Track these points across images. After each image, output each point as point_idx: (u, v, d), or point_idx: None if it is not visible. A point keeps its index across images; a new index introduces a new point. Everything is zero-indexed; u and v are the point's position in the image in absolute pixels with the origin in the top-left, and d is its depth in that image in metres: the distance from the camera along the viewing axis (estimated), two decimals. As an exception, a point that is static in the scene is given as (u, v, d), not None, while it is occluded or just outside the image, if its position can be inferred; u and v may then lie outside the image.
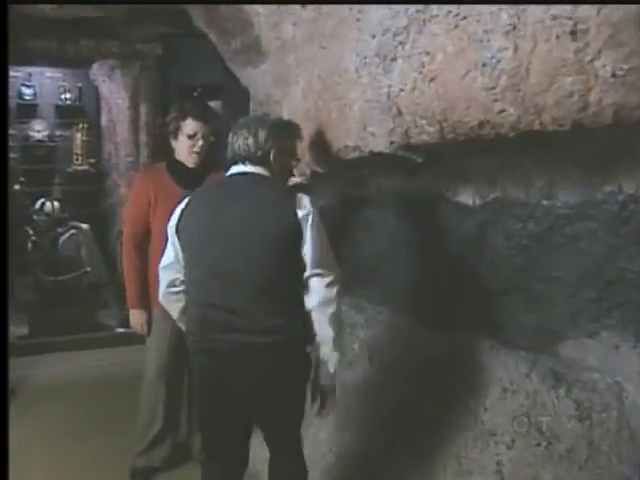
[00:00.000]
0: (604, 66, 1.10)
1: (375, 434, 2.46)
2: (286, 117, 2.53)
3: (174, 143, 2.77)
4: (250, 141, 1.96)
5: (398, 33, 1.54)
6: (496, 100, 1.28)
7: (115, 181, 5.62)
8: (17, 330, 4.69)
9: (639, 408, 1.74)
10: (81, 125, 5.78)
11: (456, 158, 2.04)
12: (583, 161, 1.76)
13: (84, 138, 5.77)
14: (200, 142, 2.72)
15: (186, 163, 2.76)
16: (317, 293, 1.91)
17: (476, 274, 2.26)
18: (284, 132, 2.03)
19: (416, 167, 2.23)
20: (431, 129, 1.54)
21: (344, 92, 1.94)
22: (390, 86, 1.62)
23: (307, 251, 1.89)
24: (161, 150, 5.44)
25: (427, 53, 1.44)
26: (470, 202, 2.22)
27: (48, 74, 5.74)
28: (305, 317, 1.93)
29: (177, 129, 2.72)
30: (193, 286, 2.00)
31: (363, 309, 3.01)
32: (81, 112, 5.90)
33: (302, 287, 1.92)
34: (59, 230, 4.95)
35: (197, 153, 2.73)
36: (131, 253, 2.79)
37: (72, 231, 4.98)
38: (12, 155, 5.09)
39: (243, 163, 1.98)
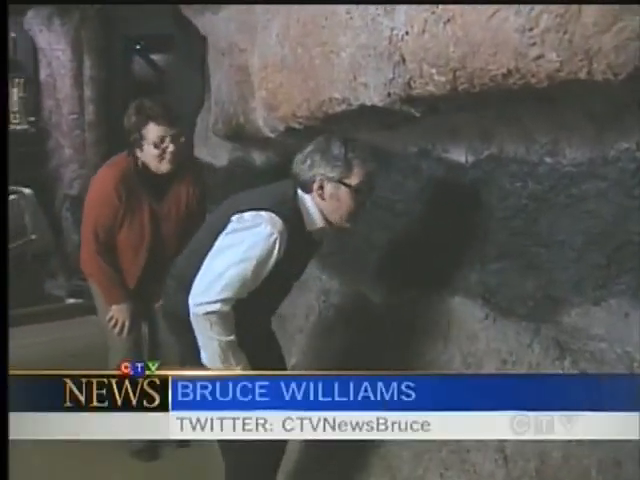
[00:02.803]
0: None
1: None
2: (257, 66, 2.30)
3: (139, 154, 2.36)
4: (297, 166, 1.82)
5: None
6: (534, 44, 1.09)
7: (58, 141, 5.23)
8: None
9: (652, 379, 1.64)
10: (17, 80, 5.31)
11: (449, 112, 1.87)
12: (594, 114, 1.60)
13: (21, 94, 5.30)
14: (171, 147, 2.33)
15: (157, 171, 2.39)
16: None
17: (468, 237, 2.12)
18: (337, 162, 1.77)
19: (397, 122, 2.06)
20: (442, 78, 1.34)
21: (330, 37, 1.72)
22: (393, 29, 1.41)
23: None
24: (108, 108, 5.09)
25: (443, -10, 1.23)
26: (462, 159, 2.06)
27: (-26, 23, 5.21)
28: None
29: (141, 139, 2.31)
30: None
31: (339, 274, 2.84)
32: (16, 66, 5.39)
33: None
34: (-2, 196, 4.59)
35: (168, 161, 2.35)
36: (99, 262, 2.44)
37: (13, 197, 4.60)
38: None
39: None
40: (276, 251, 1.72)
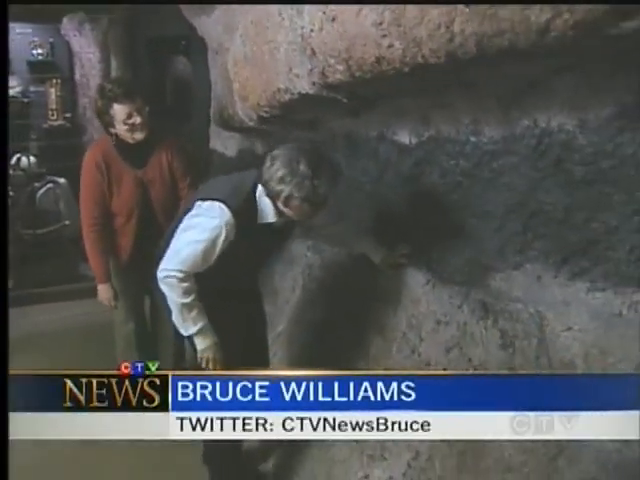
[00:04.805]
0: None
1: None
2: (231, 62, 2.56)
3: (113, 130, 2.66)
4: (266, 174, 1.95)
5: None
6: (384, 35, 1.31)
7: (92, 136, 5.64)
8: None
9: (557, 335, 1.81)
10: (55, 80, 5.77)
11: (391, 98, 2.08)
12: (501, 96, 1.79)
13: (58, 93, 5.74)
14: (138, 120, 2.61)
15: (133, 141, 2.69)
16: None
17: (419, 212, 2.33)
18: (304, 183, 1.89)
19: (357, 108, 2.28)
20: (341, 68, 1.57)
21: (272, 35, 1.97)
22: (303, 27, 1.65)
23: None
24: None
25: (328, -8, 1.46)
26: (407, 141, 2.27)
27: (18, 30, 5.65)
28: None
29: (111, 119, 2.62)
30: None
31: (321, 250, 3.08)
32: (54, 67, 5.87)
33: None
34: (36, 185, 5.00)
35: (140, 130, 2.64)
36: (93, 235, 2.75)
37: (49, 185, 5.01)
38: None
39: None
40: (222, 238, 1.96)
